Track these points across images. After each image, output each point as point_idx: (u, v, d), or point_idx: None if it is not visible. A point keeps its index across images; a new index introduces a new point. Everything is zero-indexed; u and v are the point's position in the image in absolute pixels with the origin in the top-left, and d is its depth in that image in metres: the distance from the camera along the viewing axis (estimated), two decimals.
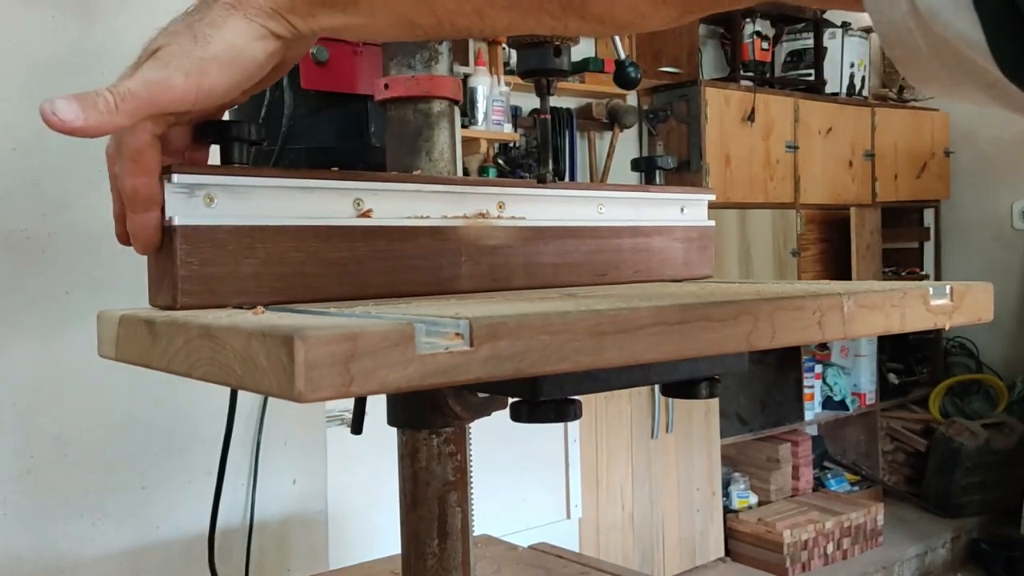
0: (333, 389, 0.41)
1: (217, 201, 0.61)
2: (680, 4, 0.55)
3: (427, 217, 0.72)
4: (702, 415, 3.47)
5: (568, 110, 3.41)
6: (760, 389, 3.86)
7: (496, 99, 3.01)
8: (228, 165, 0.62)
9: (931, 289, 0.69)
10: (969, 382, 4.57)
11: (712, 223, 0.96)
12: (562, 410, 0.58)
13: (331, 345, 0.41)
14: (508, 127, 3.09)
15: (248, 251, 0.61)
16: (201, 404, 1.69)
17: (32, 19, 1.95)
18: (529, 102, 3.39)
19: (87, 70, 2.04)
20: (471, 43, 2.93)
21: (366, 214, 0.70)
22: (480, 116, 2.99)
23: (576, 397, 0.60)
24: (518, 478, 2.65)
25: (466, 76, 2.91)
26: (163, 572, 2.13)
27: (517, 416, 0.60)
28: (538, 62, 0.73)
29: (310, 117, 0.85)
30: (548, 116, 0.78)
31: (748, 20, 3.93)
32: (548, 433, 2.77)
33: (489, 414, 0.79)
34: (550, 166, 0.76)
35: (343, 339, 0.41)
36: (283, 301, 0.64)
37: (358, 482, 2.40)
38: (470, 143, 2.97)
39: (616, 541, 3.18)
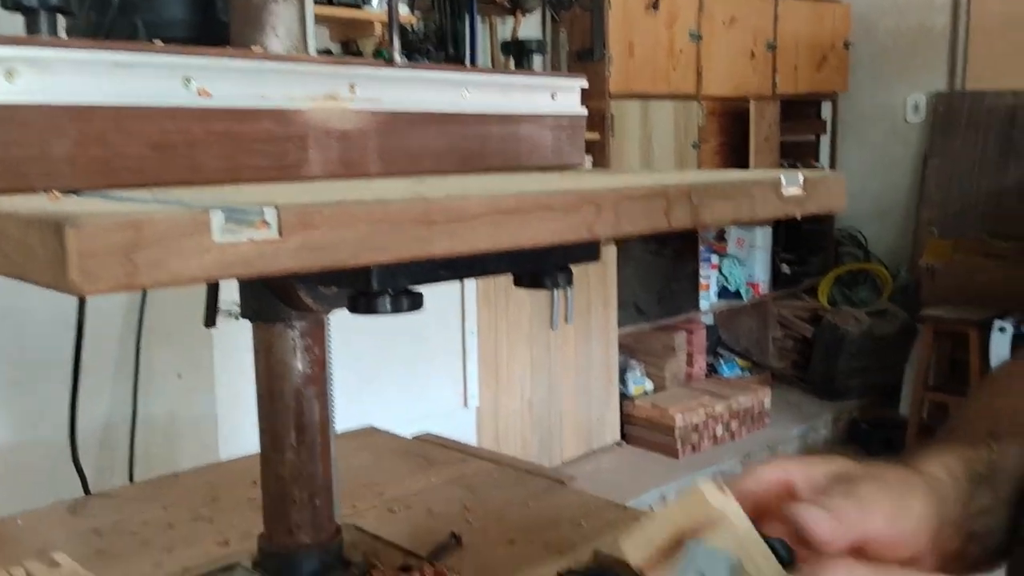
0: (114, 280, 0.38)
1: (19, 76, 0.55)
2: None
3: (268, 98, 0.68)
4: (600, 306, 3.52)
5: None
6: (657, 280, 3.94)
7: None
8: (32, 36, 0.57)
9: (783, 178, 0.69)
10: (857, 271, 4.74)
11: (584, 111, 0.94)
12: (398, 302, 0.56)
13: (110, 233, 0.38)
14: (404, 9, 2.96)
15: (57, 132, 0.56)
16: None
17: None
18: None
19: None
20: None
21: (203, 93, 0.65)
22: None
23: (417, 289, 0.59)
24: (415, 369, 2.66)
25: None
26: (40, 469, 2.08)
27: (355, 308, 0.58)
28: None
29: None
30: None
31: None
32: (445, 324, 2.77)
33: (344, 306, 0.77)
34: (396, 45, 0.72)
35: (124, 227, 0.38)
36: (104, 186, 0.60)
37: (249, 375, 2.37)
38: (363, 25, 2.84)
39: (515, 428, 3.25)
